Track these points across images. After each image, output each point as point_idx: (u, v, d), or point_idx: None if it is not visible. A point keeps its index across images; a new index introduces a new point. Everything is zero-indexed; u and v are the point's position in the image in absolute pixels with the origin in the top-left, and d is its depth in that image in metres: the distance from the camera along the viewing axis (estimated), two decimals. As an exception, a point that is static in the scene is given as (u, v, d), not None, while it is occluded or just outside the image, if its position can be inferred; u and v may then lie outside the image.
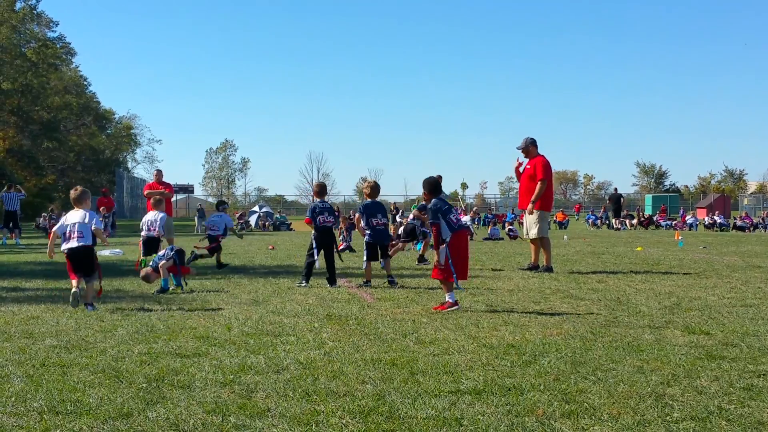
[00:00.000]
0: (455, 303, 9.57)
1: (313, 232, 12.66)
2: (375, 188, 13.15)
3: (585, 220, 59.68)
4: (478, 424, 4.78)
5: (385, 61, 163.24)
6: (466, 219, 34.32)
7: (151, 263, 11.74)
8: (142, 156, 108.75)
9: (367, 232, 12.80)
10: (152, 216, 14.09)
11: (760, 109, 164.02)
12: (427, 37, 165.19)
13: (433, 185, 10.33)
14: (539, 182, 15.04)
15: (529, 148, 15.51)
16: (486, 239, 30.97)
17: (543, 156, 15.35)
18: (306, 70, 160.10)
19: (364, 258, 12.74)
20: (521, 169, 15.72)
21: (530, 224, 15.54)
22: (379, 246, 12.85)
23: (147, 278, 11.70)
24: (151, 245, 13.75)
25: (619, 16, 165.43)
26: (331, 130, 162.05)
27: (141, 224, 14.43)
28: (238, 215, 50.62)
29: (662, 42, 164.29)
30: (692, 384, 5.72)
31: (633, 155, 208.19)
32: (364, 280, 12.69)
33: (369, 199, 13.09)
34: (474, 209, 58.38)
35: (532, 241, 15.49)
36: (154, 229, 13.93)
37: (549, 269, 14.94)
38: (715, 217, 54.13)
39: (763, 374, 6.02)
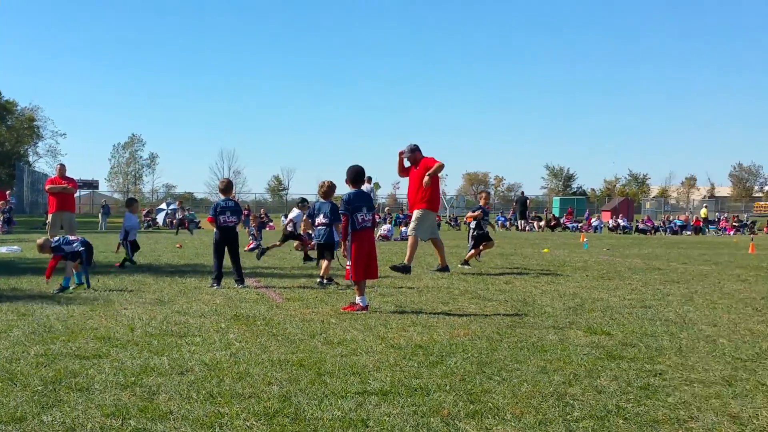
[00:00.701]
0: (365, 307, 9.57)
1: (215, 231, 12.50)
2: (331, 188, 13.04)
3: (495, 222, 60.47)
4: (384, 425, 4.80)
5: (298, 59, 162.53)
6: (386, 228, 34.37)
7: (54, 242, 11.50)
8: (44, 149, 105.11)
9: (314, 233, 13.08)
10: None
11: (663, 116, 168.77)
12: (336, 36, 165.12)
13: (356, 174, 10.22)
14: (436, 165, 14.94)
15: (416, 154, 15.35)
16: (398, 239, 31.13)
17: (430, 157, 15.33)
18: (218, 65, 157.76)
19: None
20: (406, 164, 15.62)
21: (412, 220, 15.47)
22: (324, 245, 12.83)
23: (41, 247, 11.51)
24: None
25: (524, 16, 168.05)
26: (243, 127, 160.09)
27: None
28: (144, 212, 49.76)
29: (569, 46, 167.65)
30: (593, 383, 5.85)
31: (543, 158, 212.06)
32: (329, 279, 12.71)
33: (324, 199, 12.94)
34: (386, 209, 58.61)
35: (433, 242, 15.45)
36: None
37: (406, 269, 14.58)
38: (619, 220, 55.58)
39: (660, 373, 6.19)
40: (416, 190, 15.34)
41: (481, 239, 16.53)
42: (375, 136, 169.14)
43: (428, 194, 15.17)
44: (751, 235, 45.44)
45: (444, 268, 15.12)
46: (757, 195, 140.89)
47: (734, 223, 60.25)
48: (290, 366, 6.37)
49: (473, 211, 17.27)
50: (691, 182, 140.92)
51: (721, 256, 21.54)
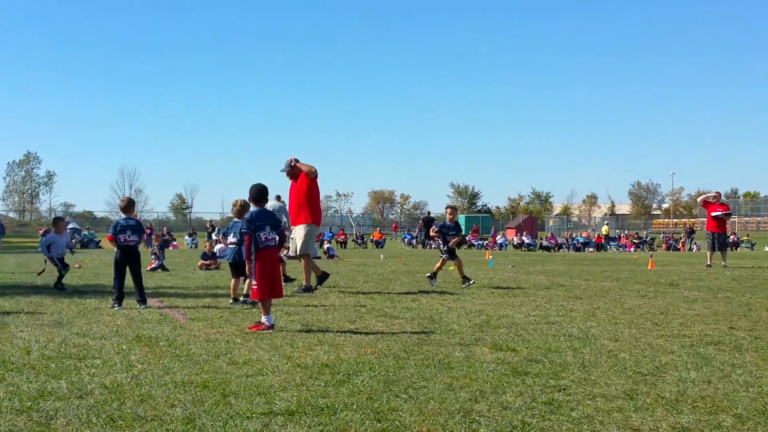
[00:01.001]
0: (271, 326, 9.47)
1: (115, 250, 12.23)
2: (244, 207, 12.64)
3: (401, 240, 60.79)
4: (290, 446, 4.74)
5: (200, 76, 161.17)
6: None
7: None
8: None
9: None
10: None
11: (564, 134, 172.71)
12: (237, 53, 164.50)
13: (258, 192, 10.12)
14: (309, 167, 14.90)
15: (293, 168, 15.16)
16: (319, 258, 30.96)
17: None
18: (116, 80, 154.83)
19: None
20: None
21: (297, 238, 15.13)
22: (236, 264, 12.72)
23: None
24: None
25: (419, 32, 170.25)
26: (145, 145, 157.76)
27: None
28: (41, 232, 48.40)
29: (470, 65, 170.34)
30: (498, 399, 5.89)
31: (448, 176, 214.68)
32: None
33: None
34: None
35: (301, 257, 15.05)
36: None
37: (308, 289, 14.60)
38: (524, 237, 56.44)
39: (564, 388, 6.27)
40: (296, 204, 15.08)
41: (450, 255, 16.74)
42: (279, 154, 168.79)
43: (309, 208, 14.96)
44: (650, 252, 46.67)
45: (307, 288, 14.71)
46: (655, 212, 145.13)
47: (634, 240, 61.92)
48: (194, 387, 6.25)
49: (435, 228, 17.73)
50: (592, 200, 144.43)
51: (621, 272, 22.03)
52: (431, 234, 18.96)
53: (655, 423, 5.28)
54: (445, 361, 7.43)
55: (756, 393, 6.14)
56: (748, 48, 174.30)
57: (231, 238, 12.84)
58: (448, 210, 17.86)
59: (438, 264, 17.07)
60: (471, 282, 16.41)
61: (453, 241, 16.87)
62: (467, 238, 57.54)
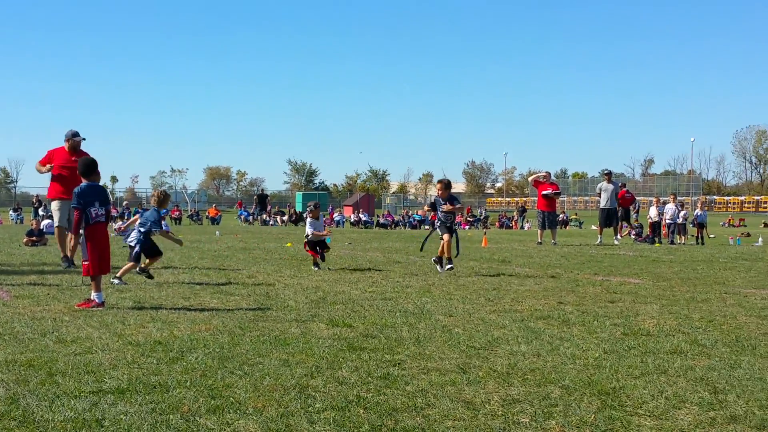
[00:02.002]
0: (101, 304, 9.15)
1: None
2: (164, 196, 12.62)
3: (237, 216, 60.21)
4: (120, 424, 4.58)
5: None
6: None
7: None
8: None
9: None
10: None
11: (402, 114, 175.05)
12: (83, 38, 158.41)
13: (86, 166, 9.72)
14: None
15: (74, 140, 14.83)
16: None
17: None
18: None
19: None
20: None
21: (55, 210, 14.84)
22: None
23: None
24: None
25: (261, 17, 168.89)
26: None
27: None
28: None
29: (310, 43, 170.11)
30: (334, 375, 5.89)
31: (286, 153, 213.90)
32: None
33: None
34: (125, 203, 56.71)
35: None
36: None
37: (67, 261, 14.27)
38: (361, 215, 56.87)
39: (399, 363, 6.34)
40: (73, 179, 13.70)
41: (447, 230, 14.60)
42: (111, 127, 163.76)
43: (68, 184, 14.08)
44: (484, 230, 47.97)
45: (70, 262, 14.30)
46: (489, 191, 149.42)
47: (468, 218, 63.45)
48: (18, 366, 5.95)
49: (427, 206, 16.68)
50: (428, 178, 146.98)
51: (455, 249, 22.54)
52: (424, 211, 17.31)
53: (486, 395, 5.40)
54: (281, 338, 7.37)
55: (582, 365, 6.38)
56: (574, 33, 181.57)
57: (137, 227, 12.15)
58: (439, 185, 15.07)
59: (443, 245, 14.48)
60: (450, 267, 14.27)
61: (447, 207, 14.55)
62: (304, 216, 57.58)
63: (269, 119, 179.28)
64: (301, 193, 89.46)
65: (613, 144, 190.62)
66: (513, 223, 62.00)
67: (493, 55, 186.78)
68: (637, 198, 64.10)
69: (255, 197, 59.58)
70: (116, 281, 11.50)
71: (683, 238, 29.95)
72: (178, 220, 52.27)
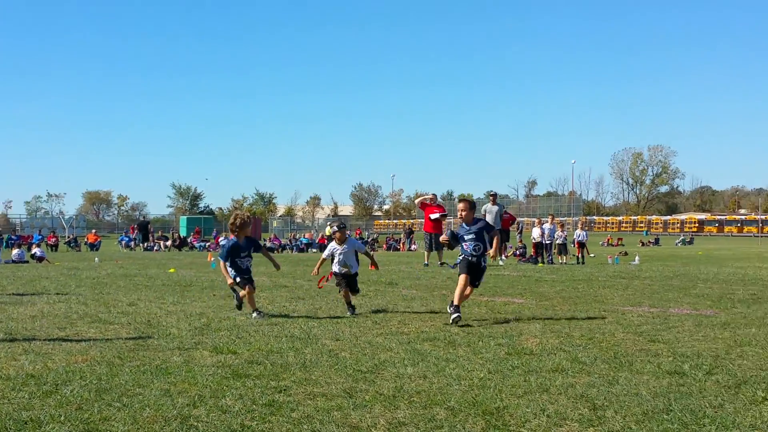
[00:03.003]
0: None
1: None
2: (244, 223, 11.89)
3: (118, 242, 58.83)
4: (-13, 465, 4.33)
5: None
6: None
7: None
8: None
9: None
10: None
11: (288, 138, 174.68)
12: None
13: None
14: None
15: None
16: (8, 262, 29.14)
17: None
18: None
19: None
20: None
21: None
22: None
23: None
24: None
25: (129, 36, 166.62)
26: None
27: None
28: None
29: (191, 64, 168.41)
30: (218, 403, 5.73)
31: (169, 177, 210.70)
32: None
33: None
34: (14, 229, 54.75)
35: None
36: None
37: None
38: (247, 239, 56.17)
39: (284, 389, 6.22)
40: None
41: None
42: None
43: None
44: (372, 252, 48.08)
45: None
46: (376, 213, 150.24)
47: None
48: None
49: (446, 236, 12.06)
50: (315, 201, 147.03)
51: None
52: (442, 242, 12.90)
53: (373, 419, 5.34)
54: (163, 367, 7.15)
55: (467, 386, 6.39)
56: (456, 55, 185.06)
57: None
58: (462, 205, 11.36)
59: (462, 290, 10.83)
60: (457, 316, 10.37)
61: (495, 243, 11.18)
62: (188, 240, 56.60)
63: (152, 142, 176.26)
64: (185, 217, 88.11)
65: (497, 166, 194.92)
66: (400, 245, 62.36)
67: (379, 77, 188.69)
68: (521, 219, 65.43)
69: (137, 225, 58.25)
70: (256, 315, 11.04)
71: (564, 257, 30.64)
72: (54, 246, 50.59)
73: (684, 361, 7.46)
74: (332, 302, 13.08)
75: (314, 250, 56.76)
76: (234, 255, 11.54)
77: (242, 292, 11.42)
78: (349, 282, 12.06)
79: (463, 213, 11.23)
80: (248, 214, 12.15)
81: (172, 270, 23.29)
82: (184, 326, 10.00)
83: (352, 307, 11.73)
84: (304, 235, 66.62)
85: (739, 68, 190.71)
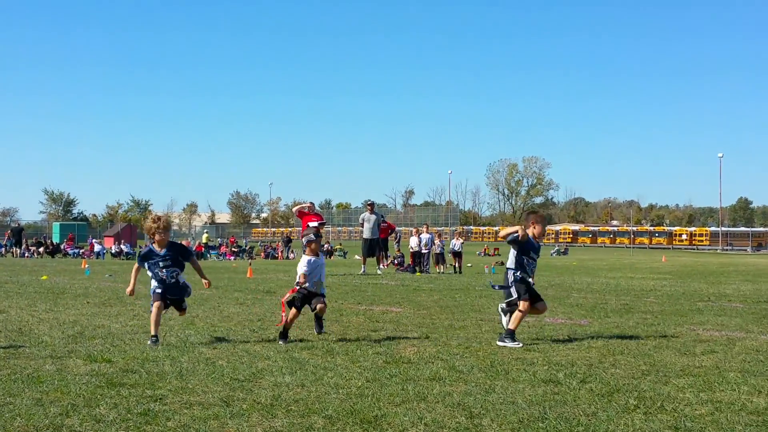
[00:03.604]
0: None
1: None
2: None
3: (-12, 248, 56.61)
4: None
5: None
6: None
7: None
8: None
9: None
10: None
11: (162, 145, 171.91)
12: None
13: None
14: None
15: None
16: None
17: None
18: None
19: None
20: None
21: None
22: None
23: None
24: None
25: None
26: None
27: None
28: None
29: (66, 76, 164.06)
30: (91, 413, 5.65)
31: (41, 182, 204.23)
32: None
33: None
34: None
35: None
36: None
37: None
38: (122, 246, 55.04)
39: (160, 398, 6.17)
40: None
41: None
42: None
43: None
44: (250, 260, 47.67)
45: None
46: (254, 222, 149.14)
47: (234, 249, 62.92)
48: None
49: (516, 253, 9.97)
50: (192, 209, 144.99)
51: (221, 280, 22.25)
52: (521, 237, 9.81)
53: (250, 428, 5.36)
54: (35, 375, 6.99)
55: (345, 394, 6.47)
56: (332, 65, 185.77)
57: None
58: (533, 217, 10.16)
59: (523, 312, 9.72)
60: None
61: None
62: (62, 247, 54.99)
63: (23, 145, 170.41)
64: (58, 223, 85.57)
65: (375, 175, 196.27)
66: (278, 253, 62.07)
67: (258, 83, 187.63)
68: (399, 228, 66.00)
69: (10, 230, 56.20)
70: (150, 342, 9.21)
71: (442, 267, 31.09)
72: None
73: (559, 369, 7.71)
74: (209, 310, 12.96)
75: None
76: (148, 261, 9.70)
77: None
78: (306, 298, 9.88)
79: (534, 227, 9.99)
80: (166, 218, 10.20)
81: (44, 277, 22.62)
82: (57, 334, 9.77)
83: (321, 325, 10.28)
84: (181, 242, 65.46)
85: (610, 83, 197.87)
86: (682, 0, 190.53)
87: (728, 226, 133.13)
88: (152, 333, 9.22)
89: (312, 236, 9.96)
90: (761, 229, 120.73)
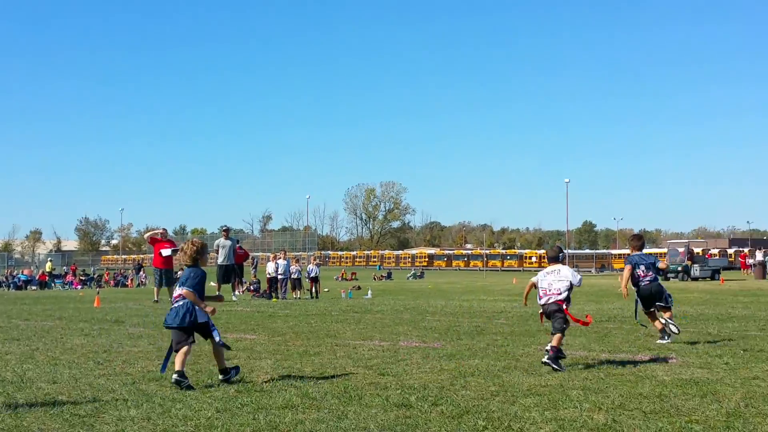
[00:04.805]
0: None
1: None
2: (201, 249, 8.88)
3: None
4: None
5: None
6: None
7: None
8: None
9: None
10: None
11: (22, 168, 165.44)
12: None
13: None
14: None
15: None
16: None
17: None
18: None
19: None
20: None
21: None
22: None
23: None
24: None
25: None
26: None
27: None
28: None
29: None
30: None
31: None
32: None
33: None
34: None
35: None
36: None
37: None
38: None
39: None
40: None
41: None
42: None
43: None
44: (98, 288, 46.09)
45: None
46: (104, 248, 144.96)
47: (81, 277, 60.77)
48: None
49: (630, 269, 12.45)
50: (36, 236, 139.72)
51: (66, 310, 21.34)
52: (623, 291, 12.58)
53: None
54: None
55: (194, 426, 6.22)
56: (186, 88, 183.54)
57: (179, 290, 8.84)
58: (633, 239, 13.13)
59: (664, 317, 12.16)
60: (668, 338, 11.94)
61: (662, 264, 13.09)
62: None
63: None
64: None
65: (232, 200, 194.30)
66: (129, 281, 60.34)
67: (106, 103, 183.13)
68: (256, 254, 65.37)
69: None
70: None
71: (298, 292, 30.85)
72: None
73: (411, 393, 7.64)
74: (50, 343, 12.30)
75: (34, 288, 53.58)
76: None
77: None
78: None
79: (636, 246, 12.80)
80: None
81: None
82: None
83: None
84: (22, 272, 62.67)
85: (462, 109, 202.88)
86: (509, 39, 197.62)
87: (574, 249, 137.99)
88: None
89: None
90: (604, 251, 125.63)
